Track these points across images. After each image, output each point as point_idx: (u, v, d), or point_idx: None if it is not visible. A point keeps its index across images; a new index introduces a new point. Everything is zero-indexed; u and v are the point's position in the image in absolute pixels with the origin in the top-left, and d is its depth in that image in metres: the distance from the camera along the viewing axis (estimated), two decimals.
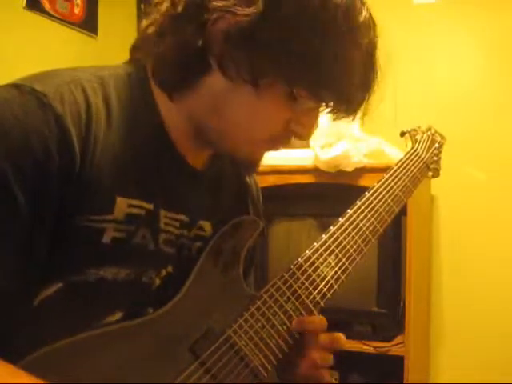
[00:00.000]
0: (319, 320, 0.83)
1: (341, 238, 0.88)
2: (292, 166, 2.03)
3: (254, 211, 0.94)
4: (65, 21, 2.39)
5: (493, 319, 2.20)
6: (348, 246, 0.88)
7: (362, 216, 0.91)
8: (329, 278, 0.85)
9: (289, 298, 0.81)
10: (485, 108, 2.27)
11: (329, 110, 0.74)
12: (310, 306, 0.82)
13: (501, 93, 2.27)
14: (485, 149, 2.26)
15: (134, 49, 0.77)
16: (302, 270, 0.83)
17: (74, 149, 0.66)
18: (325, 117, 0.78)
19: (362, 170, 1.96)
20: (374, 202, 0.93)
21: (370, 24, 0.72)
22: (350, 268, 0.87)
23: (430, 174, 1.12)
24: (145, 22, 0.74)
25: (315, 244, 0.86)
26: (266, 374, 0.77)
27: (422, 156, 1.09)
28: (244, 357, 0.75)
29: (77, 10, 2.44)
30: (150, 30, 0.73)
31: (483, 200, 2.26)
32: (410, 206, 1.88)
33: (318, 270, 0.85)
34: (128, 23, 2.59)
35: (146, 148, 0.74)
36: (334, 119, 0.76)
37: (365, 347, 1.97)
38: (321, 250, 0.86)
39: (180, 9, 0.70)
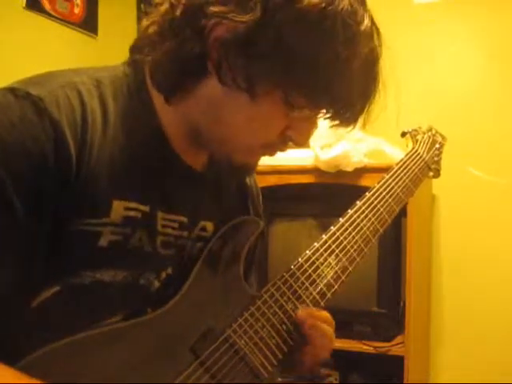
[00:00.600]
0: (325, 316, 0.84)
1: (341, 238, 0.88)
2: (292, 166, 2.03)
3: (254, 211, 0.94)
4: (65, 21, 2.39)
5: (493, 319, 2.20)
6: (348, 246, 0.88)
7: (362, 216, 0.91)
8: (329, 278, 0.85)
9: (289, 298, 0.81)
10: (485, 108, 2.27)
11: (327, 117, 0.74)
12: (311, 306, 0.82)
13: (501, 93, 2.27)
14: (486, 149, 2.26)
15: (133, 49, 0.77)
16: (302, 269, 0.83)
17: (70, 153, 0.65)
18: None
19: (362, 170, 1.97)
20: (375, 202, 0.93)
21: (372, 33, 0.71)
22: (351, 268, 0.87)
23: (431, 174, 1.12)
24: (145, 22, 0.74)
25: (315, 244, 0.86)
26: (265, 374, 0.77)
27: (423, 156, 1.09)
28: (244, 356, 0.75)
29: (77, 10, 2.44)
30: (150, 31, 0.73)
31: (484, 200, 2.26)
32: (410, 206, 1.88)
33: (319, 270, 0.85)
34: (128, 23, 2.59)
35: (143, 150, 0.74)
36: (332, 126, 0.76)
37: (365, 347, 1.97)
38: (321, 250, 0.86)
39: (178, 12, 0.69)
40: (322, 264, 0.85)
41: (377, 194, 0.94)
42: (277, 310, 0.80)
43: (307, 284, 0.83)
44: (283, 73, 0.67)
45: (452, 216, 2.31)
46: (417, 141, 1.13)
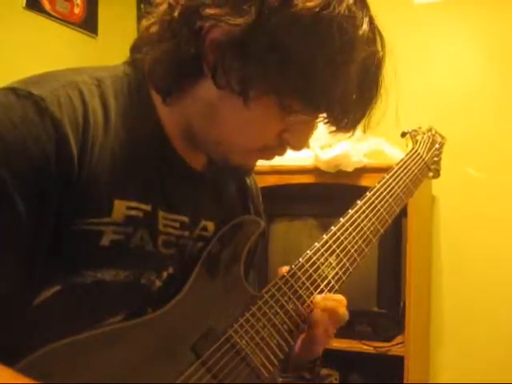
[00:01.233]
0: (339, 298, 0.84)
1: (342, 238, 0.88)
2: (292, 166, 2.03)
3: (255, 211, 0.94)
4: (65, 21, 2.39)
5: (493, 319, 2.20)
6: (349, 246, 0.88)
7: (363, 216, 0.91)
8: (330, 278, 0.85)
9: (290, 298, 0.81)
10: (485, 108, 2.27)
11: (325, 122, 0.73)
12: (311, 306, 0.82)
13: (501, 93, 2.27)
14: (486, 149, 2.26)
15: (134, 49, 0.77)
16: (303, 270, 0.83)
17: (72, 153, 0.65)
18: None
19: (362, 170, 1.97)
20: (375, 202, 0.93)
21: (372, 38, 0.70)
22: (351, 268, 0.87)
23: (431, 174, 1.12)
24: (145, 22, 0.74)
25: (316, 244, 0.86)
26: (266, 374, 0.77)
27: (423, 156, 1.09)
28: (245, 357, 0.75)
29: (77, 10, 2.44)
30: (150, 31, 0.73)
31: (484, 200, 2.26)
32: (410, 207, 1.88)
33: (319, 270, 0.84)
34: (128, 23, 2.59)
35: (144, 149, 0.74)
36: (331, 132, 0.75)
37: (365, 347, 1.97)
38: (322, 250, 0.86)
39: (176, 13, 0.69)
40: (323, 264, 0.85)
41: (377, 194, 0.94)
42: (278, 310, 0.80)
43: (308, 284, 0.83)
44: (277, 77, 0.66)
45: (452, 216, 2.31)
46: (417, 141, 1.13)
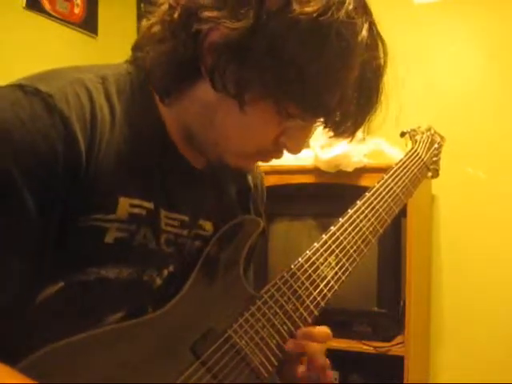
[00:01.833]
0: (321, 333, 0.82)
1: (341, 238, 0.88)
2: (292, 165, 2.03)
3: (255, 212, 0.94)
4: (65, 21, 2.39)
5: (493, 319, 2.20)
6: (348, 247, 0.88)
7: (362, 216, 0.91)
8: (329, 278, 0.85)
9: (289, 298, 0.81)
10: (485, 108, 2.27)
11: (324, 126, 0.73)
12: (311, 306, 0.82)
13: (501, 93, 2.27)
14: (485, 149, 2.26)
15: (135, 48, 0.77)
16: (302, 270, 0.83)
17: (80, 150, 0.66)
18: None
19: (361, 170, 1.97)
20: (374, 203, 0.93)
21: (372, 43, 0.70)
22: (351, 268, 0.87)
23: (430, 174, 1.12)
24: (146, 21, 0.74)
25: (315, 244, 0.86)
26: (266, 374, 0.77)
27: (422, 156, 1.09)
28: (245, 357, 0.75)
29: (77, 10, 2.44)
30: (151, 31, 0.73)
31: (484, 200, 2.26)
32: (410, 206, 1.88)
33: (319, 271, 0.84)
34: (128, 23, 2.59)
35: (146, 147, 0.74)
36: (331, 137, 0.75)
37: (365, 347, 1.97)
38: (321, 251, 0.86)
39: (176, 15, 0.69)
40: (322, 264, 0.85)
41: (376, 194, 0.94)
42: (277, 311, 0.80)
43: (307, 284, 0.83)
44: (274, 82, 0.66)
45: (452, 216, 2.31)
46: (416, 141, 1.13)
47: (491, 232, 2.24)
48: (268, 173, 1.95)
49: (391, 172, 0.99)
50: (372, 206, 0.92)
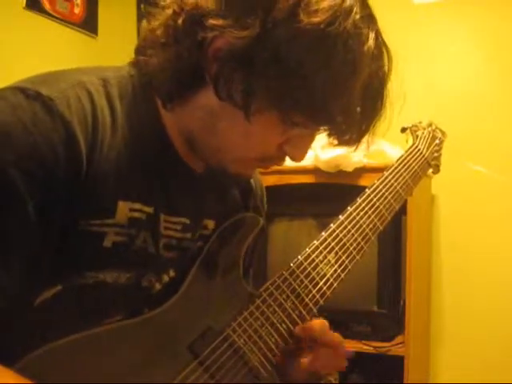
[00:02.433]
0: (320, 325, 0.82)
1: (340, 235, 0.87)
2: (292, 166, 2.01)
3: (255, 210, 0.93)
4: (65, 21, 2.39)
5: (493, 319, 2.20)
6: (348, 244, 0.87)
7: (362, 213, 0.90)
8: (328, 276, 0.85)
9: (288, 297, 0.81)
10: (485, 109, 2.27)
11: (327, 134, 0.73)
12: (310, 304, 0.82)
13: (501, 93, 2.27)
14: (485, 148, 2.26)
15: (138, 51, 0.76)
16: (301, 268, 0.83)
17: (81, 154, 0.65)
18: None
19: (361, 170, 1.97)
20: (374, 200, 0.93)
21: (378, 52, 0.70)
22: (350, 266, 0.87)
23: (431, 170, 1.12)
24: (149, 24, 0.73)
25: (315, 242, 0.85)
26: (265, 373, 0.77)
27: (423, 152, 1.08)
28: (243, 355, 0.75)
29: (77, 10, 2.44)
30: (154, 34, 0.72)
31: (483, 199, 2.26)
32: (410, 206, 1.88)
33: (318, 268, 0.84)
34: (128, 23, 2.59)
35: (147, 151, 0.73)
36: (335, 145, 0.75)
37: (365, 347, 1.97)
38: (320, 248, 0.85)
39: (180, 22, 0.68)
40: (322, 262, 0.85)
41: (377, 191, 0.94)
42: (276, 309, 0.80)
43: (306, 282, 0.83)
44: (280, 91, 0.66)
45: (451, 216, 2.31)
46: (417, 136, 1.12)
47: (491, 231, 2.24)
48: (268, 173, 1.94)
49: (392, 168, 0.99)
50: (372, 202, 0.92)
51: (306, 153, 0.76)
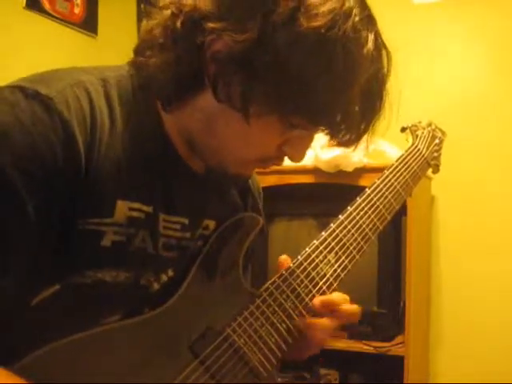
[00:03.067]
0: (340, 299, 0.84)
1: (340, 235, 0.87)
2: (292, 166, 2.01)
3: (253, 210, 0.93)
4: (65, 21, 2.39)
5: (492, 319, 2.20)
6: (348, 244, 0.87)
7: (362, 213, 0.90)
8: (328, 275, 0.85)
9: (288, 296, 0.81)
10: (485, 109, 2.28)
11: (327, 134, 0.73)
12: (310, 304, 0.82)
13: (501, 93, 2.27)
14: (485, 149, 2.26)
15: (137, 51, 0.76)
16: (301, 267, 0.83)
17: (79, 154, 0.65)
18: None
19: (361, 170, 1.97)
20: (375, 199, 0.93)
21: (377, 55, 0.70)
22: (350, 266, 0.87)
23: (430, 170, 1.12)
24: (147, 24, 0.73)
25: (315, 242, 0.85)
26: (265, 373, 0.77)
27: (423, 152, 1.08)
28: (243, 355, 0.75)
29: (77, 10, 2.44)
30: (152, 34, 0.72)
31: (483, 200, 2.26)
32: (410, 206, 1.88)
33: (318, 268, 0.84)
34: (128, 23, 2.59)
35: (147, 151, 0.73)
36: (335, 146, 0.75)
37: (365, 347, 1.97)
38: (320, 248, 0.85)
39: (179, 23, 0.68)
40: (322, 262, 0.85)
41: (377, 191, 0.94)
42: (276, 309, 0.80)
43: (306, 282, 0.83)
44: (279, 95, 0.66)
45: (451, 216, 2.31)
46: (417, 136, 1.12)
47: (491, 232, 2.24)
48: (268, 173, 1.95)
49: (392, 168, 0.99)
50: (372, 202, 0.92)
51: (305, 153, 0.76)
